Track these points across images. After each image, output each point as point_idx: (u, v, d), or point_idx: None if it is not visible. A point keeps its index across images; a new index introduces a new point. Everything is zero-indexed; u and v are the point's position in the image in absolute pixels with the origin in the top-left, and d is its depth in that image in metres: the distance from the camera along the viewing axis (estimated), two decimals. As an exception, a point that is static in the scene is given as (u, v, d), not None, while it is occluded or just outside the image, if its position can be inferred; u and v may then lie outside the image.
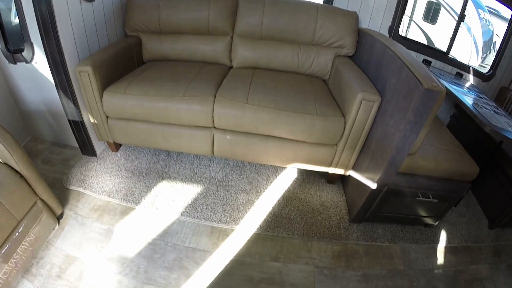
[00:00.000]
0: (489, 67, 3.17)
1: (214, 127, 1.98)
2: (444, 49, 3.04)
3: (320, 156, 2.01)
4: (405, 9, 2.68)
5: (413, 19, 7.05)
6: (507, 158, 2.28)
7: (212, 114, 1.90)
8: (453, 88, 2.40)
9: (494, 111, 2.32)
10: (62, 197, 1.92)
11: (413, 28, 7.12)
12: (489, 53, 6.11)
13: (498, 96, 3.33)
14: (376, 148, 1.79)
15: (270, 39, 2.37)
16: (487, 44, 6.35)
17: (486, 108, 2.29)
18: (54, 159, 2.24)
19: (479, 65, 5.70)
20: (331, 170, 2.09)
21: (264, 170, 2.28)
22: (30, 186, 1.46)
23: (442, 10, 6.67)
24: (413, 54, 2.82)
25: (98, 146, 2.29)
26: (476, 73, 3.13)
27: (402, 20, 2.79)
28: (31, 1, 1.65)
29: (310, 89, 2.12)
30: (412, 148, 1.67)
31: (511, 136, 1.87)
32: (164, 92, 1.92)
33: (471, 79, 3.10)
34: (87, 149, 2.23)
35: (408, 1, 2.63)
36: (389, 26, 2.66)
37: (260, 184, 2.16)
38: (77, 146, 2.25)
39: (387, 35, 2.63)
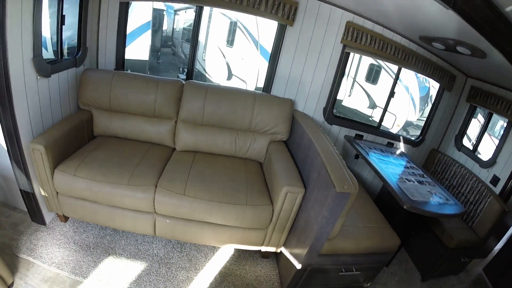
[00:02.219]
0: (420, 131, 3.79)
1: (155, 212, 2.29)
2: (378, 120, 3.59)
3: (252, 238, 2.37)
4: (337, 93, 3.14)
5: (356, 80, 7.93)
6: (432, 219, 2.84)
7: (153, 202, 2.22)
8: (380, 162, 2.94)
9: (419, 181, 2.82)
10: (11, 264, 2.04)
11: (356, 88, 7.98)
12: (426, 106, 7.03)
13: (428, 158, 3.90)
14: (300, 233, 2.18)
15: (211, 125, 2.75)
16: (424, 99, 7.27)
17: (410, 181, 2.77)
18: (3, 221, 2.39)
19: (416, 123, 6.50)
20: (264, 248, 2.45)
21: (203, 247, 2.62)
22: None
23: (383, 72, 7.56)
24: (346, 130, 3.27)
25: (48, 215, 2.45)
26: (406, 141, 3.69)
27: (345, 84, 3.25)
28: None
29: (244, 176, 2.50)
30: (332, 234, 2.09)
31: (428, 208, 2.35)
32: (111, 179, 2.21)
33: (401, 146, 3.63)
34: (37, 217, 2.39)
35: (341, 86, 3.06)
36: (323, 108, 3.13)
37: (199, 261, 2.50)
38: (27, 210, 2.39)
39: (322, 115, 3.07)
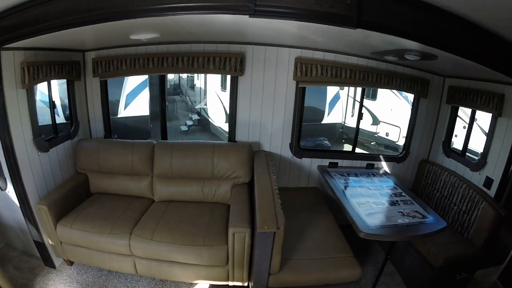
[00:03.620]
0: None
1: (133, 255, 2.80)
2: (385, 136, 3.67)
3: (216, 274, 2.74)
4: (300, 130, 3.39)
5: (356, 99, 7.79)
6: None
7: (129, 246, 2.74)
8: (351, 187, 3.18)
9: (393, 202, 2.95)
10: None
11: (358, 106, 7.86)
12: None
13: (418, 170, 3.86)
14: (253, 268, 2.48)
15: (180, 177, 3.22)
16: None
17: (379, 204, 2.88)
18: (23, 266, 3.00)
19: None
20: (231, 283, 2.79)
21: (181, 284, 3.04)
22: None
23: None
24: (318, 161, 3.49)
25: (57, 260, 3.04)
26: (388, 159, 3.72)
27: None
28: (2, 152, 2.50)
29: (207, 220, 2.90)
30: (272, 270, 2.38)
31: (392, 232, 2.47)
32: (97, 229, 2.79)
33: (384, 165, 3.67)
34: (48, 262, 2.99)
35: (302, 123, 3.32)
36: (289, 144, 3.42)
37: None
38: (40, 257, 2.99)
39: (289, 151, 3.44)
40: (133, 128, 5.32)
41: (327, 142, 6.80)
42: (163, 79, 3.48)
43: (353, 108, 8.04)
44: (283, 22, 1.98)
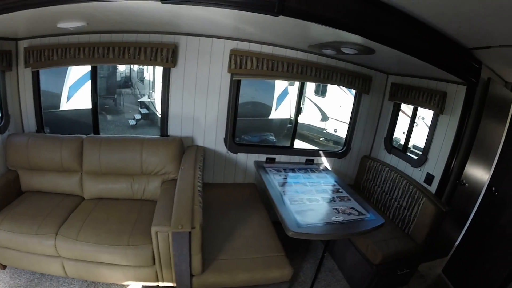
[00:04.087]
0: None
1: (61, 256, 2.72)
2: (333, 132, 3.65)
3: (145, 275, 2.69)
4: (235, 124, 3.31)
5: (306, 95, 7.88)
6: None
7: (55, 247, 2.66)
8: (287, 184, 3.12)
9: (330, 199, 2.91)
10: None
11: (308, 103, 7.99)
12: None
13: (360, 166, 3.87)
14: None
15: (109, 174, 3.12)
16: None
17: (313, 201, 2.82)
18: None
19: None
20: (161, 284, 2.73)
21: (114, 286, 2.98)
22: None
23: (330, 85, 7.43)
24: (255, 156, 3.41)
25: None
26: (329, 154, 3.67)
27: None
28: None
29: (135, 218, 2.83)
30: (194, 271, 2.33)
31: (323, 231, 2.41)
32: (23, 230, 2.68)
33: (324, 161, 3.63)
34: None
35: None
36: (224, 138, 3.33)
37: None
38: None
39: (224, 146, 3.32)
40: (75, 122, 5.16)
41: (272, 137, 6.78)
42: (95, 70, 3.32)
43: (303, 104, 8.10)
44: (214, 12, 1.93)
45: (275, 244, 2.64)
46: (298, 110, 3.66)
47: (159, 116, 6.78)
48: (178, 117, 3.26)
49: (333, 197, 2.94)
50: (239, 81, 3.25)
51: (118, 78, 8.97)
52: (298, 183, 3.15)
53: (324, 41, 2.61)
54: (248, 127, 6.44)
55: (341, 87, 7.04)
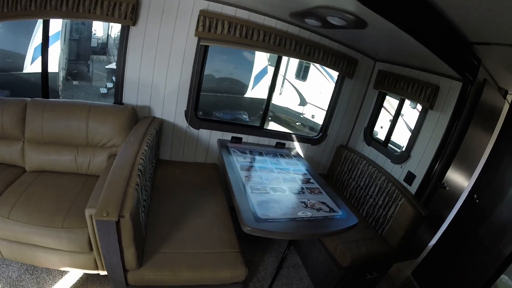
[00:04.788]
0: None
1: None
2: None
3: (82, 261, 2.33)
4: (199, 96, 2.93)
5: (286, 78, 7.56)
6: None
7: None
8: (253, 168, 2.80)
9: (299, 190, 2.61)
10: None
11: (287, 86, 7.99)
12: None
13: (335, 156, 3.58)
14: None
15: (52, 143, 2.75)
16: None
17: (278, 191, 2.51)
18: None
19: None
20: (102, 272, 2.41)
21: (53, 271, 2.64)
22: None
23: (312, 68, 7.12)
24: (219, 134, 3.10)
25: None
26: (303, 139, 3.35)
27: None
28: None
29: (75, 196, 2.48)
30: (128, 265, 1.98)
31: (285, 228, 2.08)
32: None
33: (297, 146, 3.30)
34: None
35: (202, 84, 2.92)
36: (185, 111, 2.97)
37: (46, 284, 2.52)
38: None
39: (184, 120, 2.98)
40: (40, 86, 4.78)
41: (246, 116, 6.44)
42: (47, 25, 2.90)
43: (282, 86, 8.00)
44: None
45: (229, 238, 2.31)
46: (272, 88, 3.25)
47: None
48: (134, 84, 2.86)
49: (302, 188, 2.63)
50: (206, 47, 2.85)
51: (94, 44, 8.53)
52: (264, 168, 2.82)
53: (309, 6, 2.22)
54: (222, 103, 6.08)
55: (323, 73, 7.01)
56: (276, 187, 2.55)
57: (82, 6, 2.58)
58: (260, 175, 2.70)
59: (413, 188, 2.93)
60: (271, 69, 7.46)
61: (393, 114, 3.43)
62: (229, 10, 2.74)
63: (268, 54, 6.93)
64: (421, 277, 3.24)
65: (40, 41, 4.05)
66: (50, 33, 4.92)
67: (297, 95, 7.82)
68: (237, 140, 3.28)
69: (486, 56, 2.47)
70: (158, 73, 2.86)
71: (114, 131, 2.67)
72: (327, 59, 3.09)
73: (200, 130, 3.19)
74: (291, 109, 8.00)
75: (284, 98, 8.06)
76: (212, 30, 2.70)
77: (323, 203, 2.46)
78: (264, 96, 7.15)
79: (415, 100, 3.01)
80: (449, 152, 2.81)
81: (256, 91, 6.69)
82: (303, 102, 7.69)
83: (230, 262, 2.15)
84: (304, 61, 7.14)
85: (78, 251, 2.24)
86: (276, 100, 8.04)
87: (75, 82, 6.66)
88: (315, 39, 3.03)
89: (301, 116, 7.83)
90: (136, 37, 2.74)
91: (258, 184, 2.53)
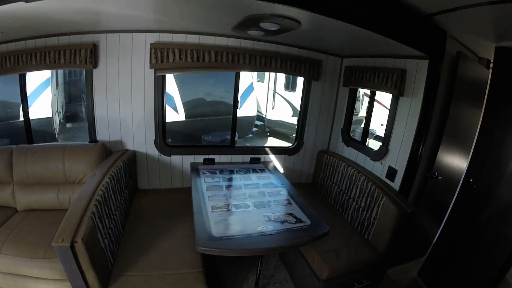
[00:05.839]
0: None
1: None
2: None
3: None
4: (165, 124, 3.21)
5: (276, 91, 7.56)
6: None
7: None
8: (220, 187, 2.93)
9: (264, 204, 2.69)
10: None
11: (278, 99, 8.18)
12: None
13: (317, 162, 3.59)
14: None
15: (36, 184, 3.14)
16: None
17: (240, 207, 2.63)
18: None
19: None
20: None
21: None
22: None
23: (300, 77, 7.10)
24: (191, 158, 3.31)
25: None
26: (278, 151, 3.46)
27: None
28: None
29: (56, 229, 2.79)
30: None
31: (243, 244, 2.17)
32: None
33: (273, 158, 3.42)
34: None
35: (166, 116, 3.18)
36: (154, 140, 3.24)
37: None
38: None
39: (155, 148, 3.23)
40: (36, 132, 5.35)
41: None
42: (23, 78, 3.40)
43: (274, 100, 8.14)
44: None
45: (193, 259, 2.44)
46: (235, 104, 3.44)
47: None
48: (104, 121, 3.19)
49: (269, 201, 2.71)
50: (163, 77, 3.12)
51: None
52: (231, 186, 2.96)
53: (242, 17, 2.35)
54: (212, 126, 6.31)
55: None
56: (239, 203, 2.66)
57: (48, 58, 3.00)
58: (225, 193, 2.83)
59: (396, 184, 2.86)
60: (259, 85, 7.97)
61: (367, 106, 3.39)
62: (179, 38, 2.99)
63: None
64: (428, 276, 3.08)
65: (33, 89, 4.67)
66: (40, 80, 5.64)
67: (289, 106, 8.01)
68: (210, 162, 3.46)
69: (451, 26, 2.38)
70: (124, 108, 3.17)
71: (88, 168, 3.01)
72: (286, 66, 3.19)
73: (172, 156, 3.42)
74: (285, 122, 8.21)
75: (278, 112, 8.25)
76: (165, 60, 2.97)
77: (290, 214, 2.52)
78: (253, 113, 7.49)
79: (383, 89, 2.96)
80: (434, 138, 2.73)
81: (244, 109, 6.90)
82: (295, 113, 7.77)
83: (190, 282, 2.28)
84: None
85: (61, 278, 2.54)
86: (271, 115, 8.29)
87: (68, 125, 7.20)
88: (271, 48, 3.16)
89: (296, 126, 8.00)
90: (99, 78, 3.08)
91: (221, 202, 2.66)
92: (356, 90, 3.46)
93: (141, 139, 3.26)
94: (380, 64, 3.01)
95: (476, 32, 2.52)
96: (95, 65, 3.00)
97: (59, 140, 5.63)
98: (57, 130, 5.76)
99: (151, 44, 2.94)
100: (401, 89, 2.78)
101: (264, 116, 8.41)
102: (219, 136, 6.23)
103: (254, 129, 7.86)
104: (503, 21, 2.17)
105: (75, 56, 2.97)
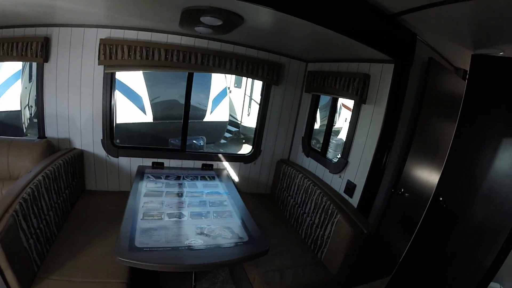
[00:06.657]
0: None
1: None
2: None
3: None
4: (113, 123, 3.21)
5: (252, 98, 7.84)
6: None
7: None
8: (162, 193, 2.90)
9: (204, 214, 2.64)
10: None
11: (254, 106, 7.94)
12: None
13: (276, 170, 3.52)
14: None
15: None
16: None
17: (176, 216, 2.57)
18: None
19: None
20: None
21: None
22: None
23: None
24: (140, 160, 3.28)
25: None
26: (233, 158, 3.42)
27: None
28: None
29: None
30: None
31: (164, 259, 2.11)
32: None
33: (227, 166, 3.36)
34: None
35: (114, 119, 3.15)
36: (101, 140, 3.23)
37: None
38: None
39: (102, 148, 3.21)
40: (4, 125, 5.45)
41: (202, 142, 6.42)
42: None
43: (249, 107, 8.03)
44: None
45: (120, 268, 2.36)
46: (187, 106, 3.39)
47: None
48: (53, 117, 3.17)
49: (208, 212, 2.63)
50: (113, 74, 3.10)
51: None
52: (171, 192, 2.92)
53: (179, 9, 2.26)
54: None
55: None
56: (174, 212, 2.57)
57: (2, 49, 3.04)
58: (163, 200, 2.75)
59: (355, 200, 2.70)
60: (237, 91, 7.95)
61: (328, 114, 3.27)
62: (131, 34, 2.95)
63: (232, 76, 7.23)
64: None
65: (1, 81, 4.75)
66: (11, 72, 5.73)
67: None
68: (159, 166, 3.41)
69: (422, 29, 2.25)
70: (73, 105, 3.15)
71: (31, 164, 2.99)
72: (242, 68, 3.10)
73: (120, 158, 3.38)
74: (262, 128, 8.10)
75: (253, 119, 8.16)
76: (113, 57, 2.95)
77: (227, 228, 2.41)
78: (225, 118, 7.31)
79: (344, 95, 2.82)
80: (401, 150, 2.60)
81: (216, 114, 6.80)
82: (273, 119, 7.74)
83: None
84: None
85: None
86: (246, 121, 8.17)
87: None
88: (227, 49, 3.08)
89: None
90: (49, 72, 3.07)
91: (154, 210, 2.58)
92: (319, 97, 3.32)
93: (88, 138, 3.25)
94: (343, 69, 2.88)
95: (449, 36, 2.38)
96: (46, 59, 3.01)
97: (28, 135, 5.70)
98: (26, 124, 5.81)
99: (100, 39, 2.92)
100: (363, 95, 2.64)
101: (239, 122, 8.29)
102: (187, 139, 6.22)
103: (229, 135, 7.77)
104: (472, 24, 2.05)
105: (26, 49, 2.99)
